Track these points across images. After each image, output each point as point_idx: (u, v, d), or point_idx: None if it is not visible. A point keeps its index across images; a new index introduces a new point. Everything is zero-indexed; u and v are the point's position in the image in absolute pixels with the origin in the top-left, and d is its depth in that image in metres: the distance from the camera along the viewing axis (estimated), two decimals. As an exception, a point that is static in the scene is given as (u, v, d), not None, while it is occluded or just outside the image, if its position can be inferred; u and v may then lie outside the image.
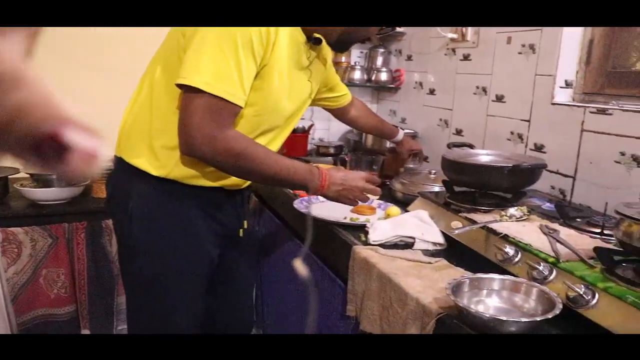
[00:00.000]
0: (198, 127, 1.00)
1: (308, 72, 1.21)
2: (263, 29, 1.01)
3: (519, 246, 0.98)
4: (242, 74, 1.01)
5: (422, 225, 1.19)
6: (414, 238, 1.15)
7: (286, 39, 1.08)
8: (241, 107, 1.04)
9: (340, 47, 1.23)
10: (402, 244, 1.17)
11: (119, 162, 1.15)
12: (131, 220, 1.10)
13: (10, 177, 1.89)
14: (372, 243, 1.16)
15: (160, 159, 1.09)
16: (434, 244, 1.15)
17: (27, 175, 1.93)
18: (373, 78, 2.33)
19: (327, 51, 1.33)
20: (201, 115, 1.00)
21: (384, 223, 1.22)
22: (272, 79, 1.08)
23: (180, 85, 1.01)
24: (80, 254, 1.80)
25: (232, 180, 1.17)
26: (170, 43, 1.10)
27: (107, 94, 2.20)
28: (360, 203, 1.22)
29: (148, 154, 1.10)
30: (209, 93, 0.98)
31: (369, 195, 1.20)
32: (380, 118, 1.75)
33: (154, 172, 1.09)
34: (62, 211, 1.81)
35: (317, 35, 1.18)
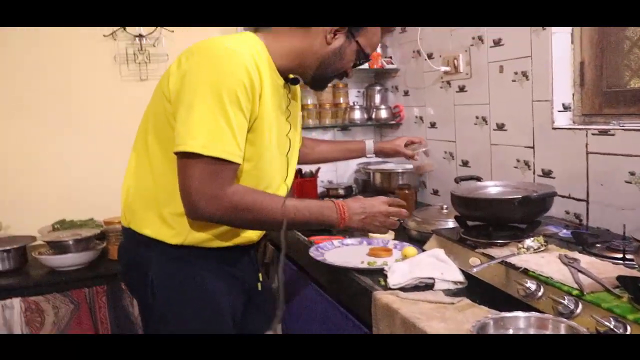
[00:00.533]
0: (198, 191, 0.99)
1: (288, 113, 1.20)
2: (247, 82, 1.00)
3: (540, 280, 0.97)
4: (234, 130, 1.00)
5: (440, 264, 1.19)
6: (433, 279, 1.15)
7: (269, 88, 1.07)
8: (239, 164, 1.03)
9: (318, 84, 1.22)
10: (423, 285, 1.16)
11: (130, 233, 1.14)
12: (153, 291, 1.10)
13: (28, 245, 1.92)
14: (392, 287, 1.15)
15: (174, 227, 1.08)
16: (455, 282, 1.15)
17: (44, 243, 1.96)
18: (373, 116, 2.37)
19: (297, 93, 1.32)
20: (200, 178, 0.99)
21: (402, 265, 1.22)
22: (263, 131, 1.08)
23: (177, 152, 1.00)
24: (102, 317, 1.81)
25: (246, 237, 1.16)
26: (156, 109, 1.09)
27: (97, 158, 2.23)
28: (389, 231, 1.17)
29: (160, 223, 1.09)
30: (207, 156, 0.98)
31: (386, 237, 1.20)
32: (335, 141, 1.67)
33: (171, 241, 1.09)
34: (81, 276, 1.83)
35: (293, 76, 1.17)
